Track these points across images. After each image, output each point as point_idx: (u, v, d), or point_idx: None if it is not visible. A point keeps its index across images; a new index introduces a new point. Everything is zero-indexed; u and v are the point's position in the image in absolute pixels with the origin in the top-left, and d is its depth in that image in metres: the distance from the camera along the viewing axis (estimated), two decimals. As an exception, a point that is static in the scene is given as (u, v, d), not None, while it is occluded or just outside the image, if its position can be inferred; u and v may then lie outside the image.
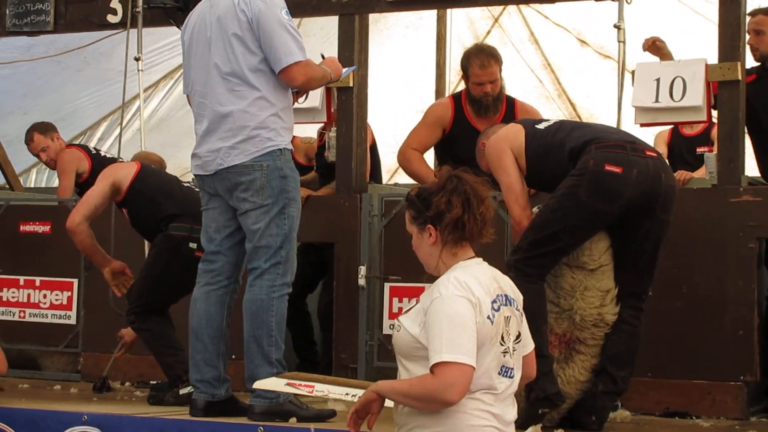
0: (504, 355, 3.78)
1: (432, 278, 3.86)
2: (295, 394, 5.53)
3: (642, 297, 5.29)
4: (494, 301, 3.76)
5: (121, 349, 6.67)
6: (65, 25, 7.77)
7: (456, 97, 6.70)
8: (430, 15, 10.93)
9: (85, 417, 5.27)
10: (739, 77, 6.00)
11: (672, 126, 8.44)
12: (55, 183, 9.58)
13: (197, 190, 6.31)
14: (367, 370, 6.49)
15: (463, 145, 6.52)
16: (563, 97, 12.49)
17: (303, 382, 4.93)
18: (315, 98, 6.64)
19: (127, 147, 8.66)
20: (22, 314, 7.62)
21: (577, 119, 12.30)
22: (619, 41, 6.28)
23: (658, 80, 6.16)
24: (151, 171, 6.58)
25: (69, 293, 7.48)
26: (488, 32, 12.33)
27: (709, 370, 5.83)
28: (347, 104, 6.75)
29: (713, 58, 6.10)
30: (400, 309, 6.41)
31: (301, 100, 5.99)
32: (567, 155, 5.20)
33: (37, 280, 7.54)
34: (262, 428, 4.97)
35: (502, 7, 11.99)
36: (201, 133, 5.51)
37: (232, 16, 5.39)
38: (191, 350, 5.51)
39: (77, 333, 7.43)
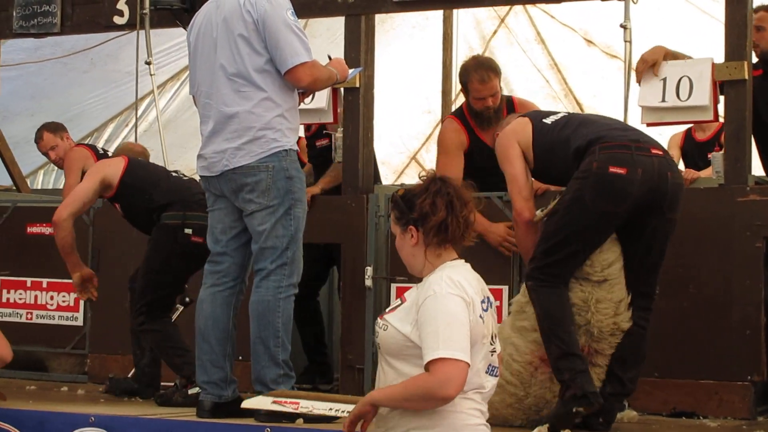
0: (492, 354, 3.88)
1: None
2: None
3: (650, 297, 5.27)
4: (483, 302, 3.85)
5: None
6: (72, 27, 7.77)
7: (460, 116, 6.62)
8: (436, 15, 10.94)
9: (92, 418, 5.28)
10: (746, 76, 5.98)
11: (686, 129, 8.45)
12: (62, 185, 9.59)
13: (186, 178, 6.48)
14: (374, 370, 6.47)
15: (478, 158, 6.47)
16: (570, 97, 12.49)
17: (288, 399, 5.01)
18: (321, 99, 6.65)
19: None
20: (29, 316, 7.63)
21: (584, 118, 12.30)
22: (625, 41, 6.27)
23: (664, 80, 6.16)
24: (138, 164, 6.63)
25: (76, 295, 7.48)
26: (494, 32, 12.34)
27: (716, 370, 5.82)
28: (354, 105, 6.74)
29: (720, 57, 6.09)
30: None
31: (307, 100, 6.00)
32: (572, 154, 5.19)
33: (44, 281, 7.55)
34: (269, 429, 4.97)
35: (508, 7, 12.00)
36: (207, 134, 5.52)
37: (237, 16, 5.40)
38: (198, 351, 5.51)
39: (84, 334, 7.43)
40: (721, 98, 6.13)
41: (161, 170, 6.70)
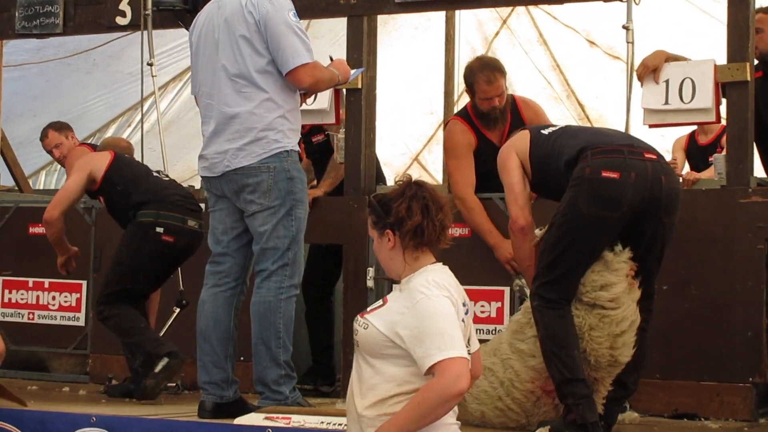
0: (468, 362, 3.91)
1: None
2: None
3: (651, 298, 5.25)
4: (464, 304, 3.96)
5: None
6: (74, 28, 7.77)
7: (465, 117, 6.56)
8: (438, 16, 10.94)
9: (94, 419, 5.28)
10: (748, 78, 5.98)
11: (689, 133, 8.46)
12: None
13: (167, 179, 6.58)
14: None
15: (486, 160, 6.43)
16: (572, 99, 12.49)
17: (281, 415, 5.04)
18: (323, 100, 6.65)
19: (137, 149, 8.66)
20: (31, 316, 7.63)
21: (586, 120, 12.31)
22: (627, 42, 6.26)
23: (667, 81, 6.15)
24: (123, 161, 6.70)
25: (78, 295, 7.49)
26: (497, 33, 12.35)
27: (717, 372, 5.82)
28: (356, 106, 6.75)
29: (722, 59, 6.09)
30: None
31: (309, 101, 6.00)
32: (564, 165, 5.12)
33: (46, 282, 7.55)
34: (270, 430, 4.98)
35: (510, 8, 11.99)
36: (208, 134, 5.52)
37: (239, 17, 5.40)
38: (199, 352, 5.51)
39: (86, 335, 7.44)
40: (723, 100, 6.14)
41: (143, 169, 6.76)
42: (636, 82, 6.30)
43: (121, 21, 7.50)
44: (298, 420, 4.98)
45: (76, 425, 5.27)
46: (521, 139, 5.37)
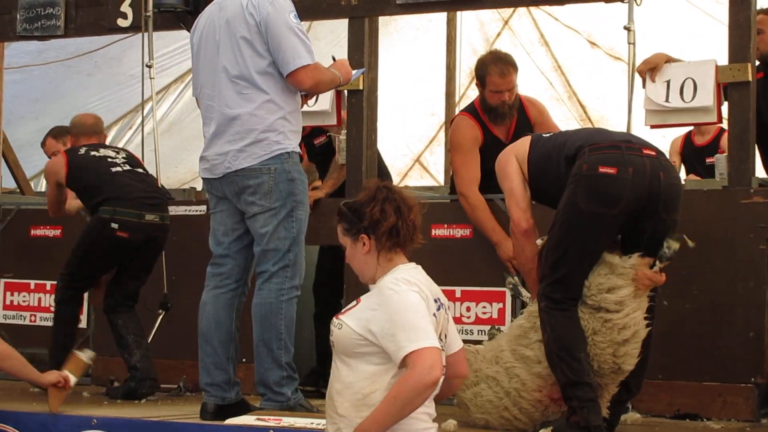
0: (441, 352, 3.99)
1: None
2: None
3: (653, 299, 5.25)
4: (435, 300, 4.04)
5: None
6: (75, 30, 7.77)
7: (472, 112, 6.55)
8: (439, 17, 10.95)
9: (95, 421, 5.28)
10: (750, 78, 5.97)
11: (685, 134, 8.45)
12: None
13: (129, 176, 6.73)
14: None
15: (491, 156, 6.42)
16: (573, 100, 12.50)
17: (272, 417, 5.07)
18: (325, 101, 6.65)
19: (137, 151, 8.66)
20: (32, 318, 7.63)
21: (588, 121, 12.32)
22: (629, 43, 6.25)
23: (668, 81, 6.15)
24: (77, 162, 6.83)
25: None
26: (498, 34, 12.35)
27: (719, 372, 5.81)
28: (357, 107, 6.75)
29: (723, 60, 6.09)
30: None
31: (310, 102, 6.00)
32: (564, 162, 5.13)
33: (48, 284, 7.53)
34: (272, 431, 4.98)
35: (512, 10, 12.00)
36: (209, 136, 5.52)
37: (240, 19, 5.40)
38: (200, 354, 5.51)
39: (87, 337, 7.43)
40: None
41: (102, 165, 6.82)
42: (637, 83, 6.29)
43: (122, 23, 7.50)
44: (288, 421, 5.01)
45: (77, 427, 5.28)
46: (521, 144, 5.38)
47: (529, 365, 5.15)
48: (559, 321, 4.99)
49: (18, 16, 7.78)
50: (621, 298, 4.99)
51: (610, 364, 5.03)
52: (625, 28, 6.28)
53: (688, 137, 8.49)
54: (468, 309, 6.29)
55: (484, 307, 6.27)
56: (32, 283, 7.63)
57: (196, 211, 7.19)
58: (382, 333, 3.91)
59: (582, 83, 12.38)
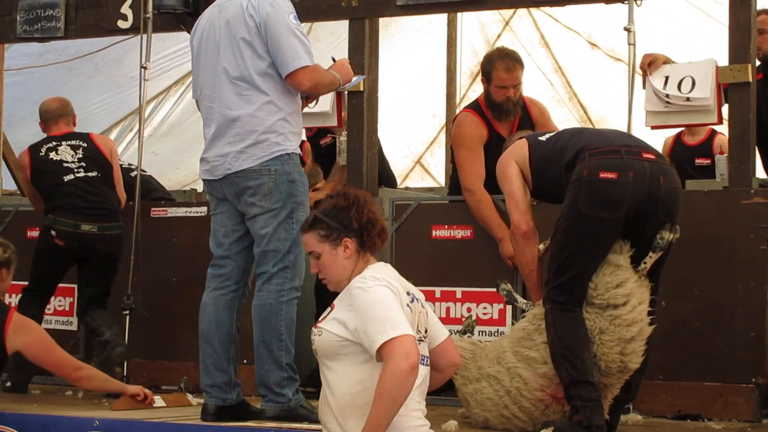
0: (420, 344, 4.07)
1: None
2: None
3: (654, 302, 5.25)
4: (408, 294, 4.11)
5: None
6: (76, 31, 7.77)
7: (476, 109, 6.56)
8: (440, 19, 10.95)
9: (96, 422, 5.28)
10: (750, 79, 5.98)
11: (675, 134, 8.45)
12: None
13: (76, 178, 6.96)
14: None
15: (493, 153, 6.42)
16: (574, 101, 12.49)
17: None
18: (326, 102, 6.66)
19: (136, 155, 8.67)
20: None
21: (588, 122, 12.31)
22: (629, 44, 6.25)
23: (667, 77, 6.16)
24: (36, 168, 7.09)
25: (71, 299, 7.48)
26: (499, 36, 12.35)
27: (720, 372, 5.81)
28: (358, 108, 6.75)
29: (723, 61, 6.09)
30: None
31: (311, 104, 6.00)
32: (564, 166, 5.15)
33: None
34: (273, 431, 4.99)
35: (512, 11, 12.00)
36: (209, 137, 5.52)
37: (240, 20, 5.40)
38: (201, 355, 5.51)
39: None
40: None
41: (56, 175, 7.05)
42: (638, 85, 6.30)
43: (122, 24, 7.49)
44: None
45: (79, 429, 5.27)
46: (519, 147, 5.40)
47: (533, 366, 5.16)
48: (563, 322, 5.02)
49: (18, 18, 7.78)
50: (629, 290, 5.03)
51: (617, 363, 5.05)
52: (626, 29, 6.28)
53: (678, 137, 8.50)
54: (468, 310, 6.29)
55: (484, 308, 6.27)
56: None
57: (197, 212, 7.19)
58: (357, 331, 3.98)
59: (582, 84, 12.38)
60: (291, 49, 5.34)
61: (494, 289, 5.78)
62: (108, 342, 6.78)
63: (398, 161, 13.07)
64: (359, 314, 3.99)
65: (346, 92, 6.73)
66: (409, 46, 12.25)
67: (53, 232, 6.92)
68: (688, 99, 6.09)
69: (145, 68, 7.21)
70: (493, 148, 6.38)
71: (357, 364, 4.03)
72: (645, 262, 5.10)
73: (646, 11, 6.40)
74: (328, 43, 10.94)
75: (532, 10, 11.84)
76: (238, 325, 5.53)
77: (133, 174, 7.69)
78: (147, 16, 7.15)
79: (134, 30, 7.48)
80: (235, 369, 5.52)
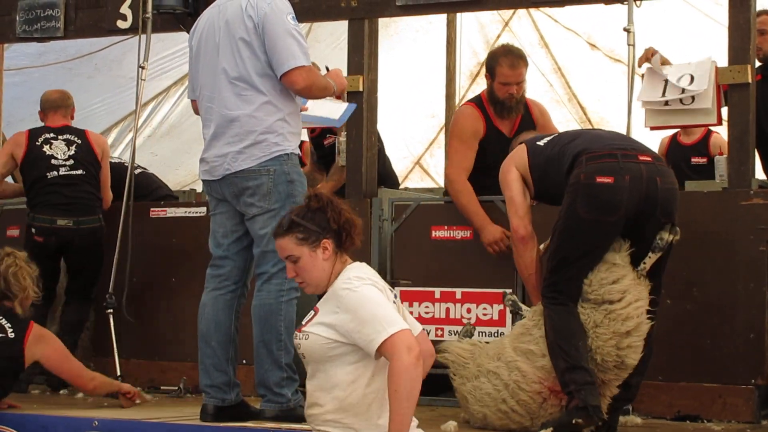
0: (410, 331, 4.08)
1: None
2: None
3: (655, 302, 5.26)
4: (390, 290, 4.16)
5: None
6: (75, 31, 7.77)
7: (478, 104, 6.58)
8: (439, 19, 10.94)
9: (96, 422, 5.28)
10: (750, 80, 5.97)
11: (671, 134, 8.45)
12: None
13: (60, 175, 7.09)
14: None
15: (493, 150, 6.46)
16: (573, 101, 12.49)
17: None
18: (324, 103, 6.66)
19: (137, 153, 8.65)
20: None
21: (588, 123, 12.31)
22: (628, 44, 6.25)
23: (666, 80, 6.16)
24: (30, 155, 7.20)
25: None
26: (498, 36, 12.35)
27: (720, 374, 5.81)
28: (357, 109, 6.74)
29: (723, 62, 6.08)
30: (410, 313, 6.39)
31: (306, 110, 5.97)
32: (564, 170, 5.20)
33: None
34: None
35: (512, 11, 11.99)
36: (208, 137, 5.52)
37: (239, 20, 5.40)
38: (200, 355, 5.51)
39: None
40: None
41: (43, 171, 7.15)
42: (637, 85, 6.30)
43: (122, 24, 7.49)
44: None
45: (77, 429, 5.28)
46: (519, 153, 5.45)
47: (532, 359, 5.20)
48: (558, 313, 5.10)
49: (17, 18, 7.78)
50: (625, 287, 5.06)
51: (613, 357, 5.08)
52: (625, 29, 6.27)
53: (674, 138, 8.50)
54: (468, 311, 6.29)
55: (484, 308, 6.27)
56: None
57: (196, 213, 7.19)
58: (350, 332, 3.99)
59: (582, 85, 12.37)
60: (287, 48, 5.34)
61: (494, 290, 5.80)
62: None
63: (397, 162, 13.04)
64: (351, 315, 4.00)
65: (345, 93, 6.73)
66: (408, 47, 12.24)
67: (33, 230, 7.06)
68: (684, 91, 6.08)
69: (143, 68, 7.21)
70: (492, 144, 6.42)
71: (348, 365, 4.04)
72: (644, 263, 5.13)
73: (645, 12, 6.41)
74: (327, 43, 10.93)
75: (532, 10, 11.83)
76: (237, 326, 5.53)
77: (137, 171, 7.84)
78: (146, 16, 7.15)
79: (134, 30, 7.48)
80: (234, 369, 5.52)
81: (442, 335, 6.29)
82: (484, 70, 7.07)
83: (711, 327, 5.85)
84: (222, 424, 5.29)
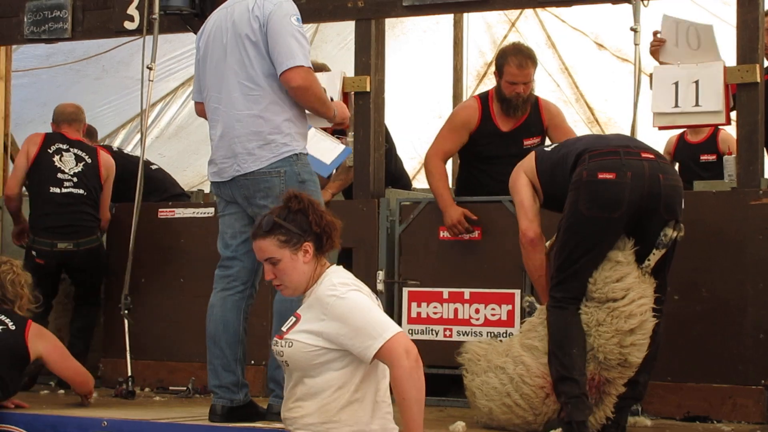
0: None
1: None
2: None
3: (660, 300, 5.26)
4: (372, 294, 4.10)
5: None
6: (83, 33, 7.78)
7: (483, 98, 6.67)
8: (446, 19, 10.95)
9: (105, 422, 5.29)
10: (758, 79, 5.96)
11: (678, 134, 8.43)
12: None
13: (62, 193, 7.14)
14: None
15: (486, 145, 6.54)
16: (581, 102, 12.47)
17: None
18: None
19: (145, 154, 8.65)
20: (42, 320, 7.64)
21: (595, 123, 12.30)
22: (635, 44, 6.24)
23: (676, 84, 6.14)
24: (39, 161, 7.25)
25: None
26: (505, 36, 12.34)
27: (729, 374, 5.80)
28: (364, 109, 6.75)
29: (730, 61, 6.07)
30: (419, 314, 6.41)
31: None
32: (569, 171, 5.24)
33: (58, 285, 7.56)
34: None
35: (518, 11, 11.98)
36: (216, 139, 5.52)
37: (246, 21, 5.40)
38: (209, 356, 5.51)
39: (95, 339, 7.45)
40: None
41: (48, 184, 7.22)
42: (644, 85, 6.29)
43: (129, 25, 7.50)
44: None
45: (87, 429, 5.28)
46: (528, 160, 5.50)
47: (536, 355, 5.25)
48: (556, 319, 5.14)
49: (25, 19, 7.79)
50: (629, 285, 5.09)
51: (616, 355, 5.10)
52: (632, 29, 6.27)
53: (681, 137, 8.49)
54: (477, 311, 6.29)
55: (493, 309, 6.26)
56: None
57: (204, 213, 7.20)
58: (341, 339, 3.93)
59: (589, 85, 12.36)
60: (287, 48, 5.32)
61: (502, 290, 5.81)
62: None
63: (404, 162, 13.04)
64: (341, 323, 3.93)
65: (352, 93, 6.74)
66: (415, 47, 12.24)
67: (34, 252, 7.18)
68: (697, 103, 6.08)
69: (151, 69, 7.20)
70: (485, 138, 6.55)
71: (335, 371, 3.97)
72: (648, 260, 5.15)
73: (652, 11, 6.39)
74: (334, 44, 10.93)
75: (539, 10, 11.82)
76: (246, 326, 5.53)
77: (153, 167, 8.04)
78: (153, 17, 7.15)
79: (141, 31, 7.48)
80: (242, 369, 5.51)
81: (450, 336, 6.29)
82: (491, 70, 7.09)
83: (720, 327, 5.84)
84: (231, 425, 5.29)
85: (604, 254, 5.13)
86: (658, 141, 8.28)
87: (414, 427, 3.87)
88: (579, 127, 11.91)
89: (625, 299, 5.09)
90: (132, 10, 7.45)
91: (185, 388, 6.72)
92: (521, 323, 5.69)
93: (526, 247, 5.41)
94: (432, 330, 6.39)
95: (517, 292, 6.19)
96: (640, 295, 5.11)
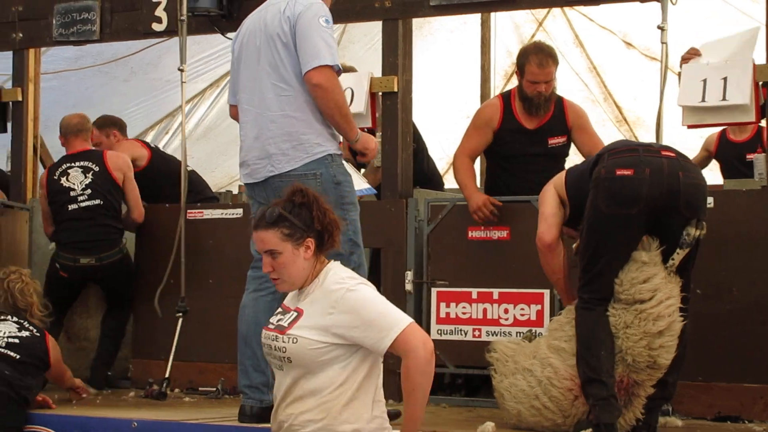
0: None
1: None
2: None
3: (686, 299, 5.23)
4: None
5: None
6: (111, 34, 7.81)
7: (505, 96, 6.70)
8: (474, 19, 10.91)
9: (135, 423, 5.31)
10: (788, 77, 5.93)
11: (719, 132, 8.37)
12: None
13: (79, 208, 7.21)
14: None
15: (510, 143, 6.55)
16: (609, 101, 12.41)
17: None
18: (360, 103, 6.66)
19: (175, 154, 8.68)
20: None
21: (624, 122, 12.24)
22: (662, 42, 6.21)
23: (704, 81, 6.10)
24: (50, 187, 7.34)
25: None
26: (533, 35, 12.29)
27: (761, 374, 5.77)
28: (392, 109, 6.74)
29: (760, 59, 6.03)
30: (447, 314, 6.40)
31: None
32: (589, 174, 5.26)
33: (94, 285, 7.60)
34: None
35: (546, 10, 11.94)
36: (249, 140, 5.52)
37: (278, 23, 5.42)
38: (240, 356, 5.53)
39: (126, 340, 7.47)
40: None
41: (61, 203, 7.27)
42: (672, 83, 6.26)
43: (157, 27, 7.53)
44: None
45: (117, 430, 5.31)
46: (559, 176, 5.55)
47: (564, 357, 5.24)
48: (584, 320, 5.14)
49: (54, 22, 7.82)
50: (656, 286, 5.07)
51: (645, 357, 5.08)
52: (659, 27, 6.24)
53: (723, 135, 8.42)
54: (506, 311, 6.28)
55: (522, 309, 6.25)
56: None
57: (233, 214, 7.21)
58: (353, 332, 3.86)
59: (617, 84, 12.30)
60: (313, 47, 5.32)
61: (532, 290, 5.82)
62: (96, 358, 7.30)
63: (433, 162, 13.04)
64: (353, 315, 3.86)
65: (380, 93, 6.74)
66: (442, 47, 12.22)
67: (57, 265, 7.23)
68: (724, 97, 6.04)
69: (182, 70, 7.22)
70: (508, 135, 6.58)
71: (340, 369, 3.90)
72: (673, 259, 5.13)
73: (681, 9, 6.36)
74: (362, 44, 10.92)
75: (566, 9, 11.78)
76: (277, 327, 5.53)
77: (188, 169, 7.84)
78: (182, 18, 7.17)
79: (169, 33, 7.52)
80: (272, 371, 5.51)
81: (479, 336, 6.28)
82: (516, 66, 7.07)
83: (751, 327, 5.80)
84: (260, 425, 5.30)
85: (626, 252, 5.12)
86: (692, 139, 8.24)
87: (418, 416, 3.87)
88: (607, 126, 11.86)
89: (652, 300, 5.07)
90: (160, 12, 7.47)
91: (215, 389, 6.74)
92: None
93: (543, 251, 5.46)
94: (461, 330, 6.38)
95: (546, 292, 6.17)
96: (668, 296, 5.09)
